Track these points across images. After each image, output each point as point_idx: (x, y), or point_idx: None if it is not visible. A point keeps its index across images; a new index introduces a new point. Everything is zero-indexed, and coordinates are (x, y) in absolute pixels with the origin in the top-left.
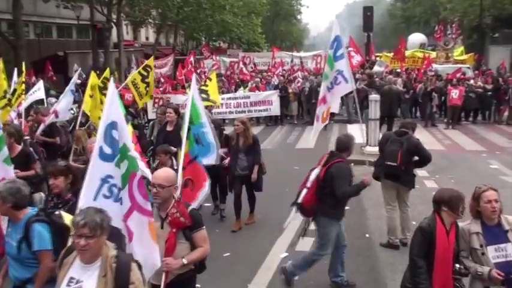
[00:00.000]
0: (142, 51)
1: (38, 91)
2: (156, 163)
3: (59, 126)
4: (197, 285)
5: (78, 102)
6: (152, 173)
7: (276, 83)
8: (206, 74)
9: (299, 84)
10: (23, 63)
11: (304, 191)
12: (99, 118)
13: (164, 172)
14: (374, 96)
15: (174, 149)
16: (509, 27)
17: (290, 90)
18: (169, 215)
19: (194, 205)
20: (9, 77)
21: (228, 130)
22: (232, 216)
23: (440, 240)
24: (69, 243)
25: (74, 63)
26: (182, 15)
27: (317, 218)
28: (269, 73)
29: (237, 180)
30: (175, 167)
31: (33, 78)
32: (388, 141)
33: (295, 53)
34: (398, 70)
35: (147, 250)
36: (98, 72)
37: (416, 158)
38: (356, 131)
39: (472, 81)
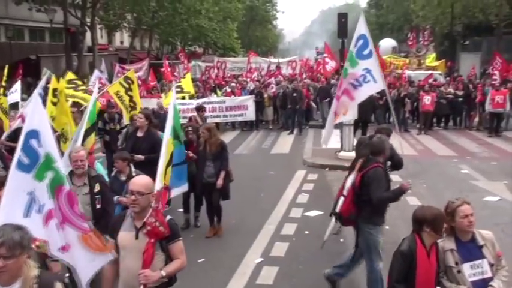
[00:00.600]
0: (116, 55)
1: (15, 93)
2: (114, 171)
3: None
4: None
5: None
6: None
7: (251, 88)
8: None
9: (273, 90)
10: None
11: (341, 199)
12: (66, 124)
13: (143, 179)
14: None
15: (141, 157)
16: (479, 35)
17: (265, 96)
18: (148, 224)
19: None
20: None
21: None
22: (207, 222)
23: (421, 262)
24: None
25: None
26: (157, 19)
27: (359, 227)
28: (244, 78)
29: (206, 188)
30: (134, 174)
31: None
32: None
33: (272, 59)
34: None
35: (82, 262)
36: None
37: (389, 162)
38: (332, 137)
39: (443, 88)
